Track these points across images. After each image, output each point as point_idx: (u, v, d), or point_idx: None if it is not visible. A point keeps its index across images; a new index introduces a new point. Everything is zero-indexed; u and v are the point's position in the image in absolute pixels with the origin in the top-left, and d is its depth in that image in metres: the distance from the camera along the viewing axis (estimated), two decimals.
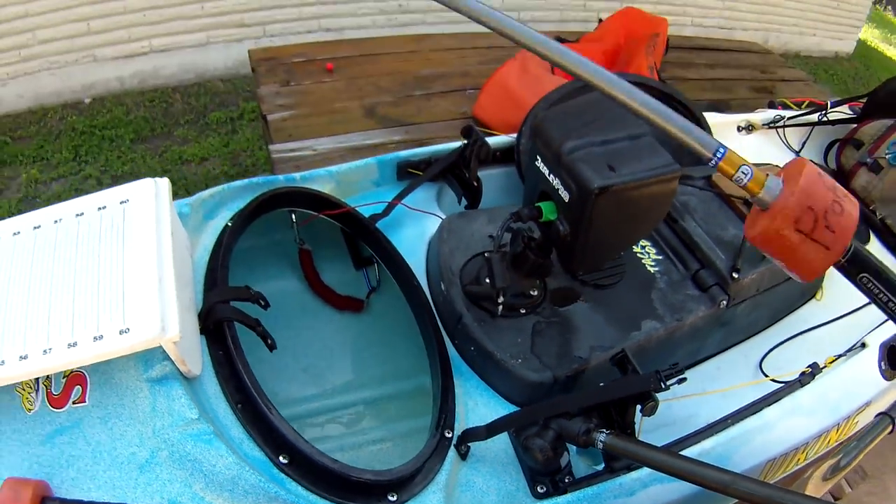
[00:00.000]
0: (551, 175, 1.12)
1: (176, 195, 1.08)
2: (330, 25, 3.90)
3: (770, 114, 2.06)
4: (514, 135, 1.68)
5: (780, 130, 2.04)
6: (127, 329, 0.81)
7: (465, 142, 1.50)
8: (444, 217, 1.42)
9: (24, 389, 0.93)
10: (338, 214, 1.33)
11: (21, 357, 0.83)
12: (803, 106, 2.15)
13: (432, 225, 1.43)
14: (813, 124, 2.05)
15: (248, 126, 3.49)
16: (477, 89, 2.48)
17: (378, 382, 1.05)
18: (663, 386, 0.96)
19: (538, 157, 1.16)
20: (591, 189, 1.02)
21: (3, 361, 0.83)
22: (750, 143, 1.99)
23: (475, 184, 1.52)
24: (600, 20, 3.36)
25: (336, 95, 2.34)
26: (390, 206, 1.41)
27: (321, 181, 1.40)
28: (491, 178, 1.63)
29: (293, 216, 1.35)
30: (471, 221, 1.38)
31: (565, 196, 1.09)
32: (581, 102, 1.26)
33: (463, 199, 1.55)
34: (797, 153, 2.03)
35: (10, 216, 2.67)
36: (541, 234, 1.19)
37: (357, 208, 1.36)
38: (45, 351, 0.83)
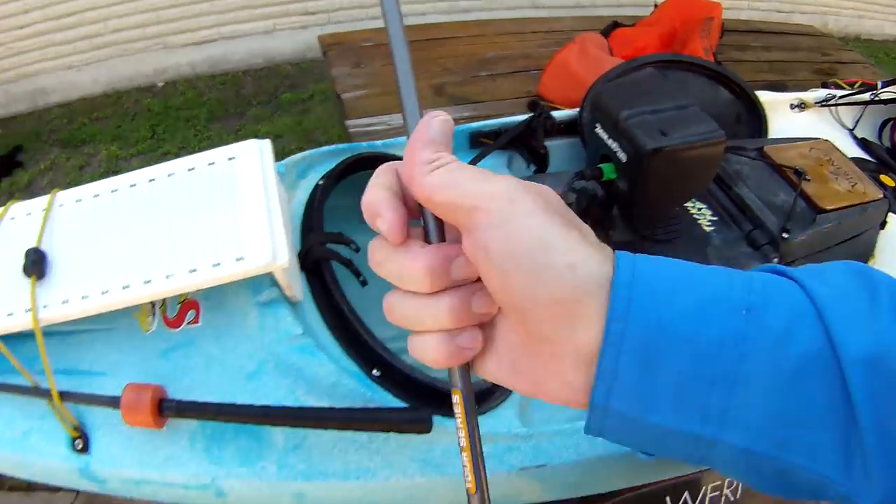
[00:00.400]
0: (610, 139, 1.25)
1: None
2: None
3: (822, 93, 2.09)
4: (577, 109, 1.78)
5: (832, 109, 2.07)
6: (242, 257, 0.95)
7: (532, 114, 1.61)
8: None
9: (141, 314, 1.09)
10: None
11: (145, 282, 0.98)
12: (856, 86, 2.17)
13: None
14: (865, 103, 2.06)
15: (319, 106, 3.63)
16: (539, 70, 2.57)
17: None
18: None
19: (597, 125, 1.29)
20: (646, 151, 1.15)
21: (128, 286, 0.99)
22: (802, 120, 2.01)
23: (542, 151, 1.63)
24: (656, 5, 3.41)
25: None
26: None
27: (400, 148, 1.53)
28: (555, 149, 1.72)
29: None
30: (543, 182, 1.49)
31: (623, 157, 1.21)
32: (635, 78, 1.43)
33: (531, 164, 1.65)
34: (850, 130, 2.05)
35: None
36: (602, 192, 1.30)
37: None
38: (167, 276, 0.97)
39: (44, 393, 1.02)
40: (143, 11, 3.63)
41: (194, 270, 0.95)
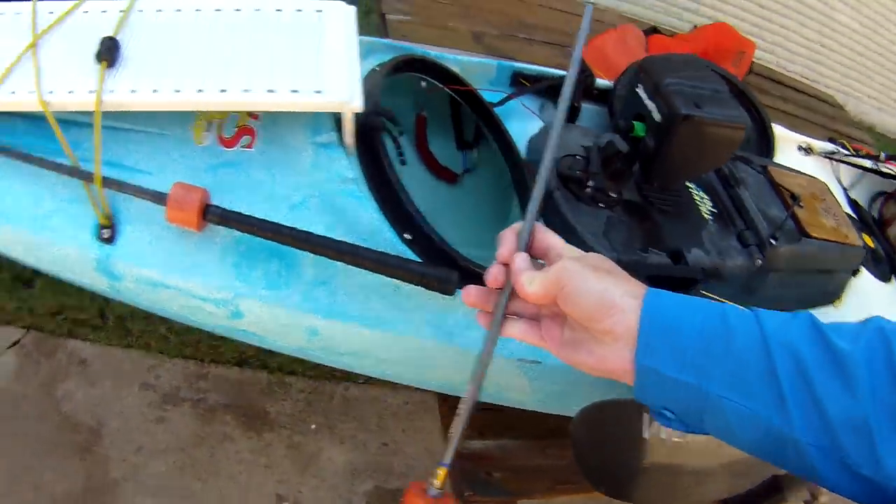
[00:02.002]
0: (649, 100, 1.38)
1: None
2: None
3: (829, 146, 2.27)
4: (613, 81, 1.89)
5: (833, 164, 2.23)
6: (321, 91, 1.02)
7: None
8: (544, 124, 1.63)
9: (196, 127, 1.14)
10: (462, 92, 1.54)
11: (221, 90, 1.03)
12: (861, 153, 2.34)
13: (533, 127, 1.64)
14: (866, 169, 2.24)
15: (363, 18, 3.66)
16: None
17: (460, 245, 1.25)
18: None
19: (640, 85, 1.41)
20: (680, 114, 1.29)
21: (202, 90, 1.04)
22: (805, 163, 2.18)
23: (576, 104, 1.73)
24: (695, 26, 3.56)
25: (448, 15, 2.55)
26: (505, 100, 1.62)
27: (447, 63, 1.60)
28: (584, 111, 1.83)
29: (423, 83, 1.55)
30: (569, 131, 1.59)
31: (657, 118, 1.34)
32: (685, 57, 1.64)
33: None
34: (845, 189, 2.21)
35: None
36: (628, 147, 1.43)
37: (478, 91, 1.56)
38: (244, 90, 1.03)
39: (85, 175, 1.05)
40: None
41: (272, 91, 1.01)
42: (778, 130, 2.09)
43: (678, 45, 3.17)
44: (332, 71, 1.05)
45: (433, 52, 1.58)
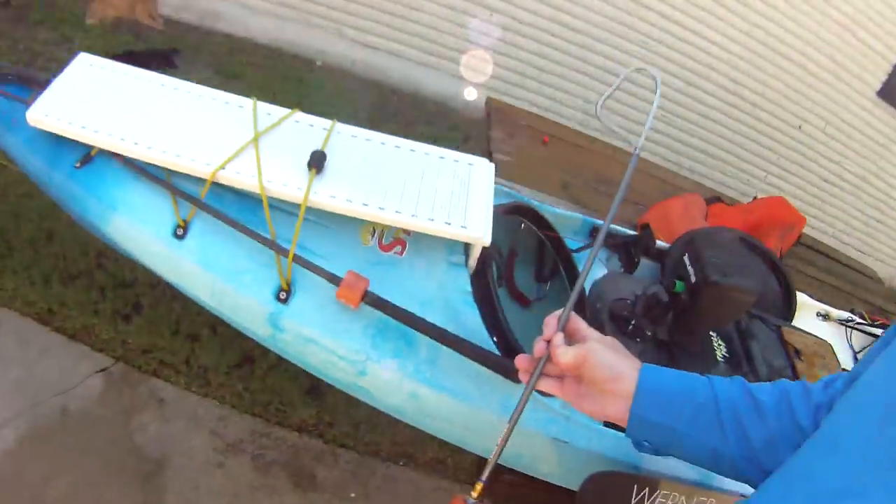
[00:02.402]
0: (690, 265, 1.84)
1: None
2: (542, 104, 4.67)
3: (846, 315, 2.62)
4: (669, 245, 2.32)
5: (847, 331, 2.58)
6: (465, 226, 1.46)
7: (644, 230, 2.15)
8: (609, 269, 2.07)
9: (364, 232, 1.59)
10: (553, 238, 1.98)
11: (396, 211, 1.48)
12: (876, 322, 2.67)
13: (599, 273, 2.07)
14: (877, 336, 2.56)
15: (463, 144, 4.12)
16: (646, 207, 3.13)
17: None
18: None
19: (686, 254, 1.86)
20: (710, 280, 1.75)
21: (383, 208, 1.48)
22: (821, 328, 2.53)
23: (636, 260, 2.16)
24: (755, 197, 3.99)
25: (543, 163, 3.05)
26: (582, 248, 2.06)
27: (545, 212, 2.06)
28: (642, 265, 2.26)
29: (522, 224, 1.99)
30: (625, 279, 2.02)
31: (693, 280, 1.76)
32: (725, 235, 2.16)
33: (622, 266, 2.18)
34: (854, 353, 2.56)
35: None
36: (668, 299, 1.86)
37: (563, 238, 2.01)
38: (412, 215, 1.47)
39: (281, 249, 1.49)
40: None
41: (432, 219, 1.45)
42: (801, 298, 2.48)
43: (736, 214, 3.59)
44: (474, 212, 1.51)
45: (535, 200, 2.04)
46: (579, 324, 0.91)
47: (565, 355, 0.85)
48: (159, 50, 3.92)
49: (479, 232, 1.46)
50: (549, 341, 0.88)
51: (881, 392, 0.66)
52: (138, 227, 1.55)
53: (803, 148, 5.12)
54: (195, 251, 1.55)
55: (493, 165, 1.68)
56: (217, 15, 4.31)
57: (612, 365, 0.85)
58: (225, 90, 1.73)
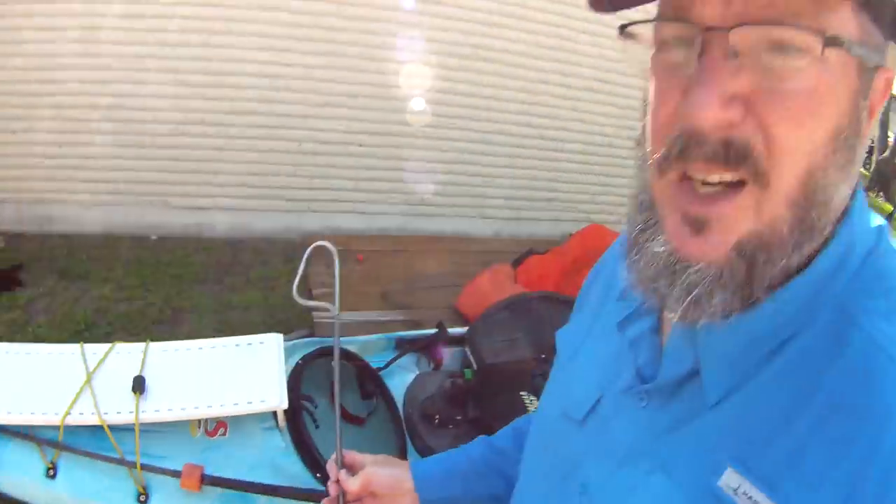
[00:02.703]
0: (471, 355, 2.29)
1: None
2: (363, 210, 5.08)
3: None
4: (466, 328, 2.84)
5: None
6: (264, 400, 1.92)
7: (437, 330, 2.67)
8: (418, 372, 2.56)
9: (192, 424, 2.01)
10: (359, 365, 2.46)
11: (208, 406, 1.92)
12: None
13: (411, 377, 2.56)
14: None
15: (285, 286, 4.36)
16: (462, 286, 3.70)
17: None
18: None
19: (467, 346, 2.35)
20: (485, 364, 2.23)
21: (198, 407, 1.93)
22: None
23: (439, 357, 2.67)
24: (570, 234, 4.50)
25: (361, 280, 3.55)
26: (388, 364, 2.55)
27: (352, 345, 2.55)
28: (451, 353, 2.77)
29: (332, 363, 2.46)
30: (431, 377, 2.51)
31: (475, 366, 2.24)
32: (497, 318, 2.50)
33: (430, 363, 2.69)
34: None
35: (85, 326, 3.67)
36: (464, 384, 2.33)
37: (369, 363, 2.49)
38: (221, 405, 1.92)
39: (129, 464, 1.91)
40: (150, 170, 4.57)
41: (236, 403, 1.91)
42: None
43: (552, 260, 4.11)
44: (268, 384, 1.96)
45: (352, 338, 2.53)
46: (355, 457, 1.08)
47: (353, 485, 1.01)
48: (2, 272, 4.16)
49: (275, 401, 1.92)
50: (338, 480, 1.05)
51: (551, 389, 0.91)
52: (17, 477, 1.90)
53: (595, 168, 5.70)
54: (66, 484, 1.91)
55: (280, 336, 2.15)
56: (51, 219, 4.60)
57: (390, 475, 1.04)
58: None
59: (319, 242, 1.32)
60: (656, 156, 0.57)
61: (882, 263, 0.61)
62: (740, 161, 0.53)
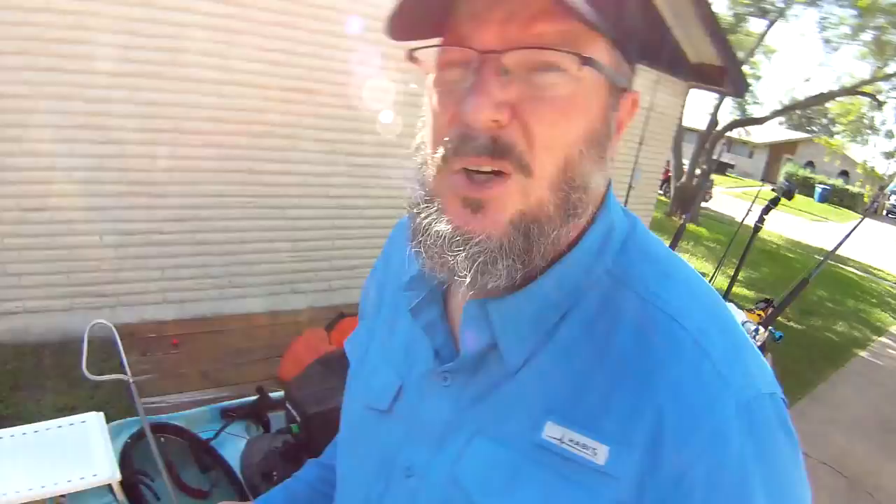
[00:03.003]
0: (294, 410, 2.51)
1: None
2: (173, 298, 4.99)
3: None
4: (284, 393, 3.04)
5: None
6: (96, 474, 2.02)
7: (258, 396, 2.88)
8: (248, 437, 2.73)
9: None
10: (189, 438, 2.59)
11: (42, 486, 1.99)
12: None
13: (243, 443, 2.73)
14: None
15: (109, 381, 4.43)
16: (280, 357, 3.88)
17: None
18: None
19: (287, 402, 2.56)
20: (308, 414, 2.40)
21: (31, 489, 1.98)
22: None
23: (265, 420, 2.86)
24: None
25: (180, 364, 3.63)
26: (216, 434, 2.70)
27: (179, 419, 2.67)
28: (276, 417, 2.96)
29: (162, 439, 2.58)
30: (260, 440, 2.69)
31: (299, 419, 2.47)
32: (310, 372, 2.73)
33: (259, 428, 2.87)
34: None
35: None
36: (293, 439, 2.53)
37: (198, 434, 2.63)
38: (55, 483, 1.98)
39: None
40: None
41: (69, 480, 1.99)
42: None
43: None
44: (99, 458, 2.06)
45: (176, 413, 2.65)
46: None
47: None
48: None
49: (108, 473, 2.02)
50: None
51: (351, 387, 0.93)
52: None
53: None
54: None
55: (101, 414, 2.26)
56: None
57: None
58: None
59: (97, 321, 1.43)
60: (435, 156, 0.65)
61: (642, 240, 0.73)
62: (505, 154, 0.61)
